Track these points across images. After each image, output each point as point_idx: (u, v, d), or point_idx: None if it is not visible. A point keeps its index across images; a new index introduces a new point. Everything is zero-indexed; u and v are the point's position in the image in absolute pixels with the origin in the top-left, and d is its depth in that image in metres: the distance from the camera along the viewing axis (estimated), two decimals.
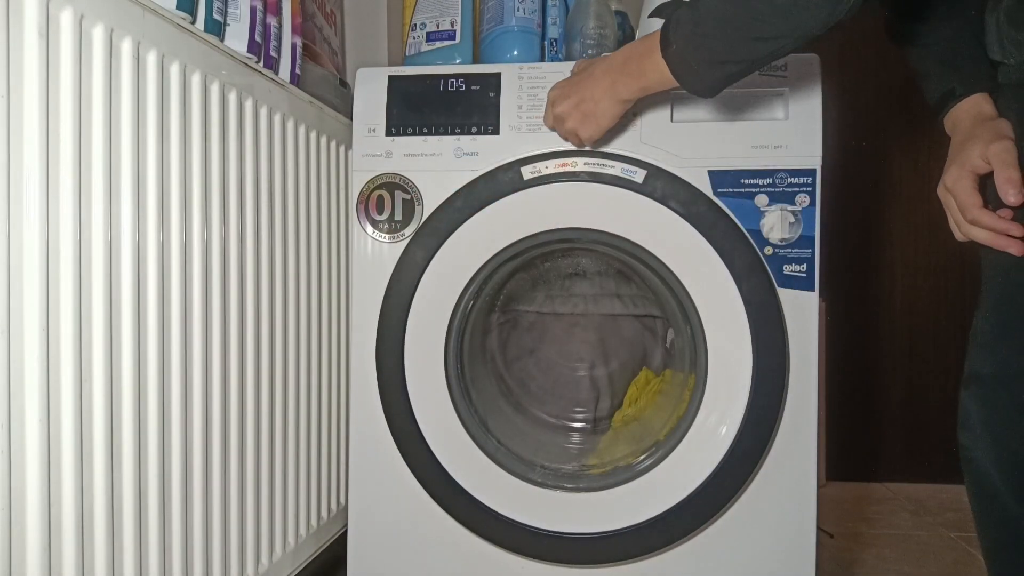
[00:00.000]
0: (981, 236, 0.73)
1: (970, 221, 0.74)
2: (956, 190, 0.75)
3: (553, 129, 0.93)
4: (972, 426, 0.76)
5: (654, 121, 0.98)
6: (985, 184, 0.74)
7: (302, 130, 1.01)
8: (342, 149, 1.15)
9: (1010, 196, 0.69)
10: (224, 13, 0.84)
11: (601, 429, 1.23)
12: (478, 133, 1.01)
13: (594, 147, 0.97)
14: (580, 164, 0.98)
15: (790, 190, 0.96)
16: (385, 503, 1.04)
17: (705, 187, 0.96)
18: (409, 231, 1.02)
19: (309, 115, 1.04)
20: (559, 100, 0.89)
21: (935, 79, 0.81)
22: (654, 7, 1.08)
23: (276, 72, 0.97)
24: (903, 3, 0.82)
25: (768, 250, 0.96)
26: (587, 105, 0.85)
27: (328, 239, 1.11)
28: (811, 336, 0.96)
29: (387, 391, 1.02)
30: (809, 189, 0.96)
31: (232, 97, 0.83)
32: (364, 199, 1.04)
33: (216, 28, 0.82)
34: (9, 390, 0.53)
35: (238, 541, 0.86)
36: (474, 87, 1.02)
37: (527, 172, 0.99)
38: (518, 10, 1.13)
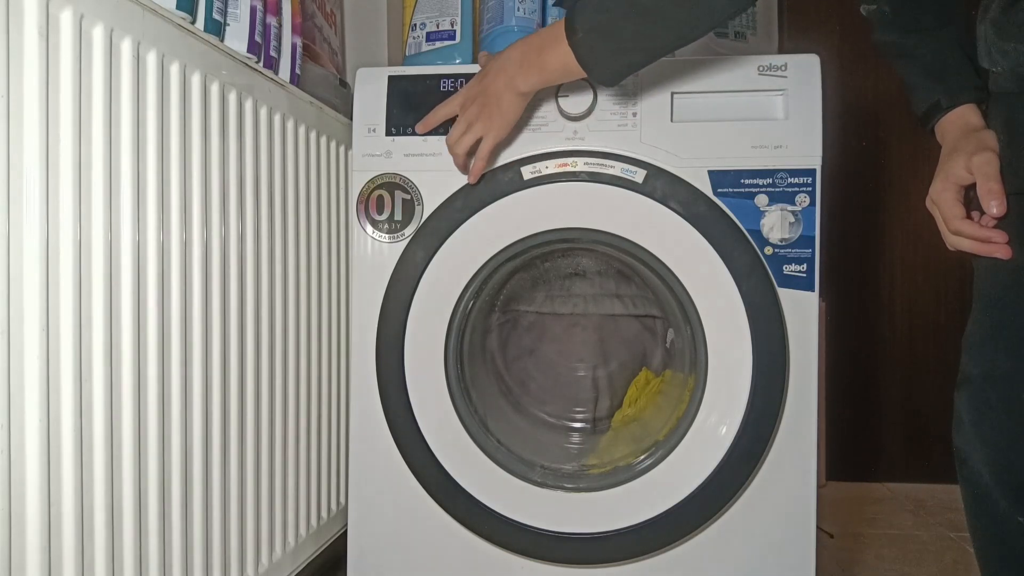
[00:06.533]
0: (966, 245, 0.74)
1: (954, 232, 0.75)
2: (940, 202, 0.76)
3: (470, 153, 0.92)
4: (964, 427, 0.77)
5: (654, 121, 0.98)
6: (971, 195, 0.75)
7: (302, 130, 1.01)
8: (342, 149, 1.15)
9: (992, 208, 0.70)
10: (224, 13, 0.84)
11: (601, 429, 1.23)
12: None
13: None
14: (580, 164, 0.98)
15: (790, 190, 0.96)
16: (385, 503, 1.04)
17: (705, 187, 0.96)
18: (409, 231, 1.02)
19: (309, 115, 1.04)
20: (465, 106, 0.89)
21: (921, 91, 0.81)
22: None
23: (276, 72, 0.97)
24: (888, 14, 0.83)
25: (768, 250, 0.96)
26: (491, 104, 0.86)
27: (328, 239, 1.10)
28: (811, 336, 0.96)
29: (387, 391, 1.02)
30: (809, 189, 0.96)
31: (232, 97, 0.83)
32: (364, 199, 1.04)
33: (216, 28, 0.82)
34: (9, 390, 0.53)
35: (238, 541, 0.86)
36: None
37: (527, 172, 0.99)
38: (518, 10, 1.13)
